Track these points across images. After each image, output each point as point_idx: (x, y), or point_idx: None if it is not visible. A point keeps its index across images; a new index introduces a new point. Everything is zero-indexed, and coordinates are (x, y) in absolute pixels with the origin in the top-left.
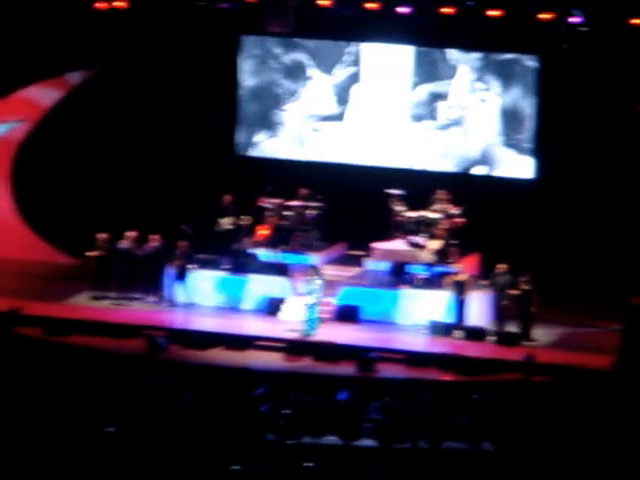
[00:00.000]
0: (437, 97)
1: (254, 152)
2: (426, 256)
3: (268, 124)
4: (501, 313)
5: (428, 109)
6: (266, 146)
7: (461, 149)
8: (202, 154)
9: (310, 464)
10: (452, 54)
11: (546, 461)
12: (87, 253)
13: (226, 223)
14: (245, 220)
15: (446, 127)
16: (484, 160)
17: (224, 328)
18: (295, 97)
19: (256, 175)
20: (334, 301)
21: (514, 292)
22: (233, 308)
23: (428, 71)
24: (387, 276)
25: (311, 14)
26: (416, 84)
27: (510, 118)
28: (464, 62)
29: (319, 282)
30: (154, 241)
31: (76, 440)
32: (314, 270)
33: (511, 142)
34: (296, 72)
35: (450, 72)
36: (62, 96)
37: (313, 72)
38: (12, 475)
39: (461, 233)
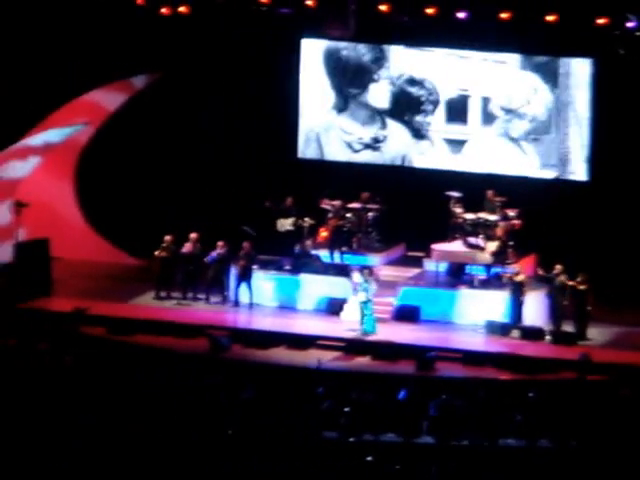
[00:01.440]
0: (495, 100)
1: (316, 155)
2: (484, 257)
3: (331, 127)
4: (557, 313)
5: (486, 113)
6: (329, 149)
7: (517, 152)
8: (265, 156)
9: (370, 458)
10: (510, 58)
11: (602, 458)
12: (154, 253)
13: (288, 224)
14: (306, 222)
15: (503, 130)
16: (541, 163)
17: (285, 328)
18: (357, 100)
19: (318, 177)
20: (394, 301)
21: (569, 296)
22: (294, 308)
23: (486, 75)
24: (446, 277)
25: (371, 18)
26: (475, 88)
27: (565, 122)
28: (521, 66)
29: (372, 281)
30: (220, 247)
31: (139, 435)
32: (369, 271)
33: (566, 145)
34: (358, 75)
35: (507, 76)
36: (126, 100)
37: (375, 75)
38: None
39: (518, 234)
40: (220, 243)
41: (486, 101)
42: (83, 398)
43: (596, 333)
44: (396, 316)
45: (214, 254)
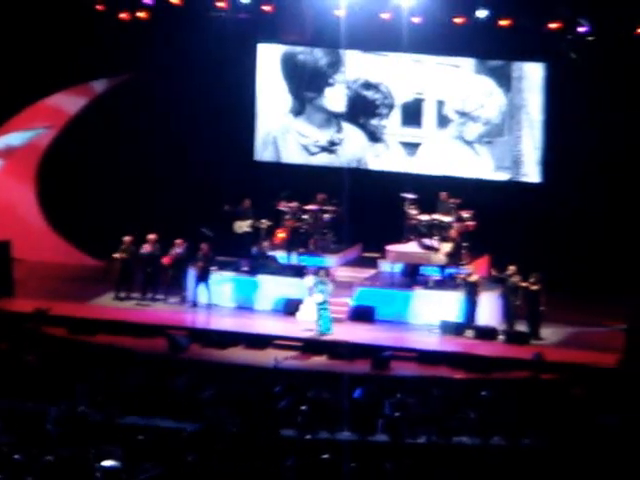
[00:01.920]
0: (449, 104)
1: (273, 157)
2: (438, 258)
3: (288, 130)
4: (511, 313)
5: (440, 116)
6: (286, 152)
7: (471, 154)
8: (223, 159)
9: (326, 456)
10: (464, 62)
11: (554, 455)
12: (113, 255)
13: (245, 226)
14: (263, 223)
15: (457, 133)
16: (494, 165)
17: (243, 328)
18: (314, 103)
19: (275, 180)
20: (350, 301)
21: (522, 296)
22: (251, 308)
23: (441, 79)
24: (401, 277)
25: (328, 23)
26: (429, 92)
27: (518, 125)
28: (475, 70)
29: (328, 282)
30: (178, 246)
31: (102, 433)
32: (325, 272)
33: (519, 148)
34: (315, 79)
35: (462, 80)
36: (87, 103)
37: (331, 79)
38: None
39: (472, 236)
40: (178, 241)
41: (441, 104)
42: (47, 395)
43: (549, 333)
44: (352, 316)
45: (173, 253)
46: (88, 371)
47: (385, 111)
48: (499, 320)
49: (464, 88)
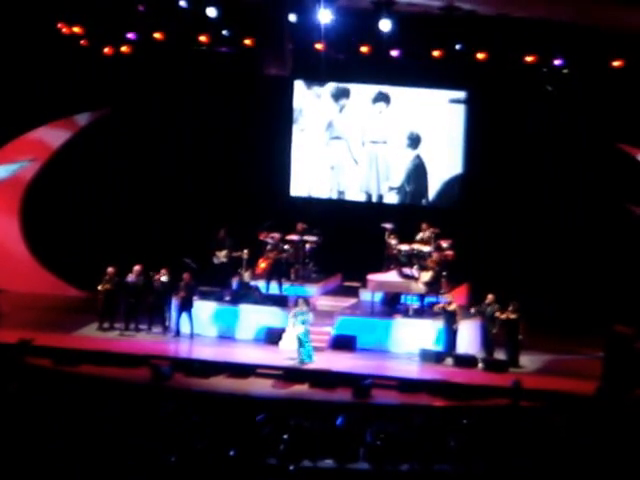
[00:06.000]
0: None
1: (254, 189)
2: (418, 287)
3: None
4: (489, 341)
5: (412, 143)
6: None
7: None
8: (203, 189)
9: None
10: (438, 95)
11: None
12: (99, 287)
13: (221, 256)
14: (243, 253)
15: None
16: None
17: (226, 357)
18: (295, 137)
19: (256, 210)
20: (331, 330)
21: (501, 319)
22: (234, 338)
23: (417, 110)
24: (381, 306)
25: (308, 57)
26: (403, 122)
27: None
28: (447, 102)
29: (308, 311)
30: (160, 275)
31: (85, 467)
32: (304, 301)
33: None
34: (296, 115)
35: (437, 112)
36: (70, 136)
37: (305, 119)
38: None
39: (451, 265)
40: (163, 270)
41: (411, 133)
42: (27, 429)
43: (527, 361)
44: (333, 345)
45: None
46: (72, 401)
47: (371, 144)
48: (478, 348)
49: (434, 119)
